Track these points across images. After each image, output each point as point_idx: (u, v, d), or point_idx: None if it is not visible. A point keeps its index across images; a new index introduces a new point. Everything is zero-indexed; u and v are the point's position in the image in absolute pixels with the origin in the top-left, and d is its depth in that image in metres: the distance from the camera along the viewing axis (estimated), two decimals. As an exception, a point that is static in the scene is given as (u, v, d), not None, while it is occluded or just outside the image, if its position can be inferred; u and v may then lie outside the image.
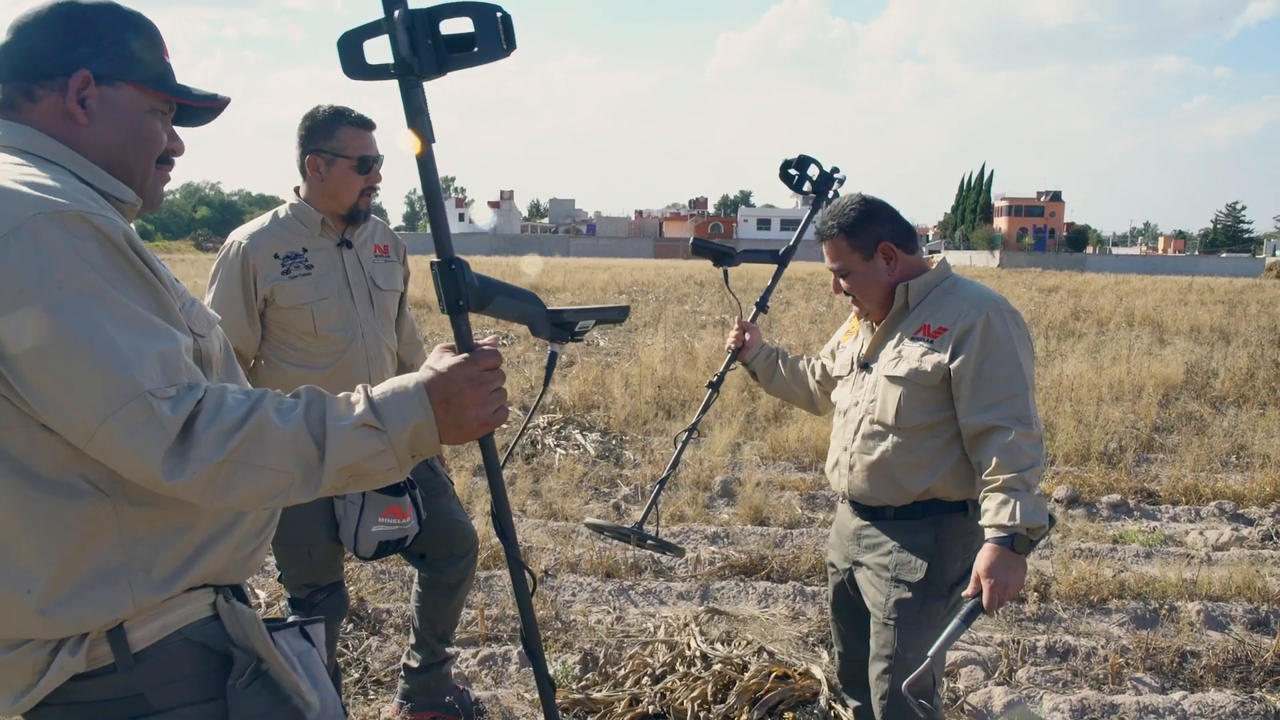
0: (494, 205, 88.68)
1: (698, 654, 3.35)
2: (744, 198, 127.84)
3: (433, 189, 1.26)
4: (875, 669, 2.34)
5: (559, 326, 1.36)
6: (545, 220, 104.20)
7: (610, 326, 15.19)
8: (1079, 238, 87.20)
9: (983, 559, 2.14)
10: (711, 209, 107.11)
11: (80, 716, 1.26)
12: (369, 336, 2.74)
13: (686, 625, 3.65)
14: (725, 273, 2.92)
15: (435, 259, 1.26)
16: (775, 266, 3.01)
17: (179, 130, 1.47)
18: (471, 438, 1.29)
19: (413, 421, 1.23)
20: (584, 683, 3.38)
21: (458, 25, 1.26)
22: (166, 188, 1.50)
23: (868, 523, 2.38)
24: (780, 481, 6.14)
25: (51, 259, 1.13)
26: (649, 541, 2.97)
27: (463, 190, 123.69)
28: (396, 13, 1.18)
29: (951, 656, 3.65)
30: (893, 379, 2.29)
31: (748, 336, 2.82)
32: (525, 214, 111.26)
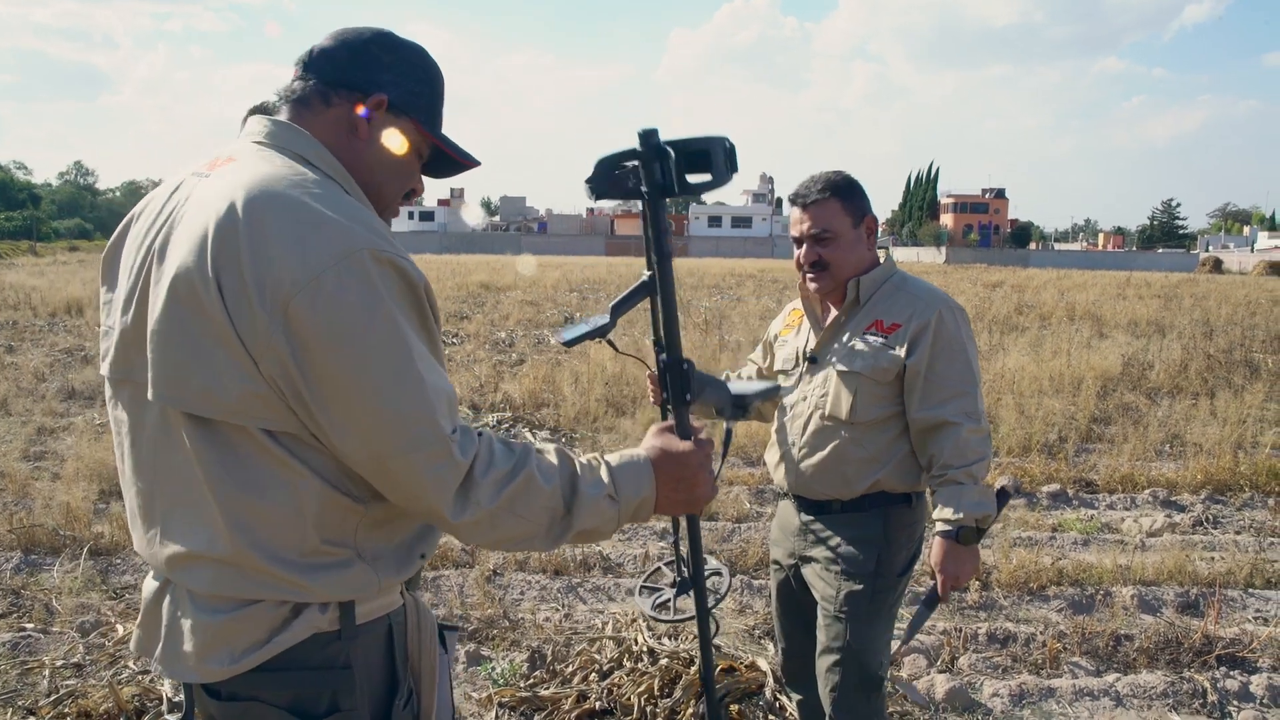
0: (444, 203, 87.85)
1: (645, 649, 3.36)
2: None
3: (669, 298, 1.44)
4: (825, 661, 2.36)
5: (739, 408, 1.55)
6: (497, 218, 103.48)
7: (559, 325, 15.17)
8: (1022, 234, 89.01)
9: (934, 552, 2.22)
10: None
11: (287, 686, 1.30)
12: None
13: (634, 621, 3.66)
14: (609, 342, 2.79)
15: (665, 357, 1.44)
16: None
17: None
18: (687, 512, 1.44)
19: (642, 496, 1.36)
20: (531, 680, 3.36)
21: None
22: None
23: (814, 517, 2.40)
24: (728, 476, 6.18)
25: (377, 298, 1.18)
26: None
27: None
28: (654, 144, 1.37)
29: (895, 646, 3.71)
30: (846, 374, 2.31)
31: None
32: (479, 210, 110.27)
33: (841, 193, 2.32)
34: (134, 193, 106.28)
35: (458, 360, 10.83)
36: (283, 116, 1.38)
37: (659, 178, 1.33)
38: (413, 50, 1.44)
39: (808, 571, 2.42)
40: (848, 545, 2.32)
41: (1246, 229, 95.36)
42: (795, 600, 2.51)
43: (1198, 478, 6.14)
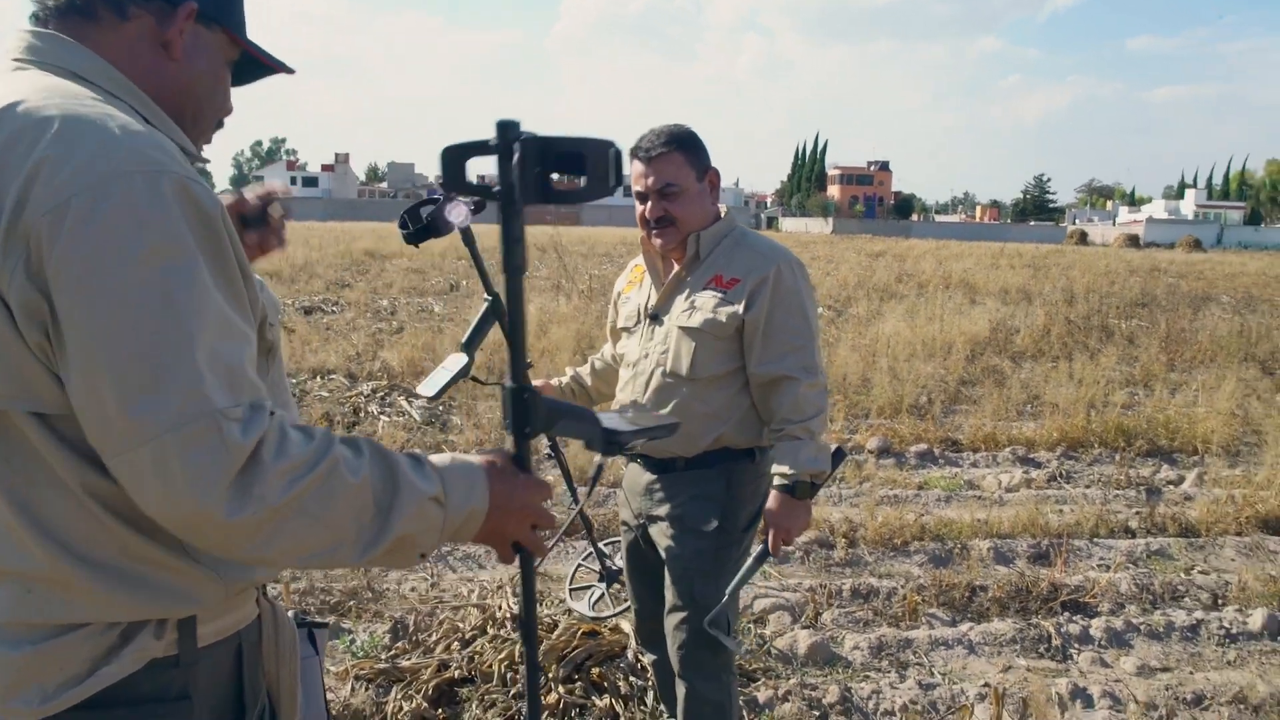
0: (328, 169, 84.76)
1: (508, 615, 3.29)
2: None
3: (517, 319, 1.21)
4: (673, 619, 2.34)
5: (611, 444, 1.35)
6: (384, 185, 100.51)
7: (446, 294, 14.85)
8: (905, 206, 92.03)
9: (769, 506, 2.21)
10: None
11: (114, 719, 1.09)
12: None
13: (500, 588, 3.59)
14: (474, 378, 2.43)
15: (509, 383, 1.22)
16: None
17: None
18: (501, 549, 1.24)
19: (472, 505, 1.13)
20: (393, 652, 3.26)
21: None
22: None
23: (658, 476, 2.37)
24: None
25: (144, 229, 0.94)
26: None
27: (294, 152, 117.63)
28: (512, 141, 1.14)
29: (762, 604, 3.76)
30: (686, 330, 2.27)
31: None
32: (362, 178, 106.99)
33: (684, 145, 2.26)
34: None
35: (336, 329, 10.47)
36: (51, 29, 1.12)
37: (510, 178, 1.13)
38: None
39: (654, 531, 2.39)
40: (692, 502, 2.30)
41: (1110, 204, 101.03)
42: (645, 561, 2.49)
43: (1054, 436, 6.44)
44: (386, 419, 6.60)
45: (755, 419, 2.29)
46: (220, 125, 1.33)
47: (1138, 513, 5.01)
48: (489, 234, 1.42)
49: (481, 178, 1.28)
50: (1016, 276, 18.46)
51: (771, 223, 75.71)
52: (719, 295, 2.25)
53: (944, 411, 7.18)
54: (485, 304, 2.59)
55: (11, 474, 1.02)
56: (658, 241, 2.31)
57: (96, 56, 1.11)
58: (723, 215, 2.37)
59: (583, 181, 1.18)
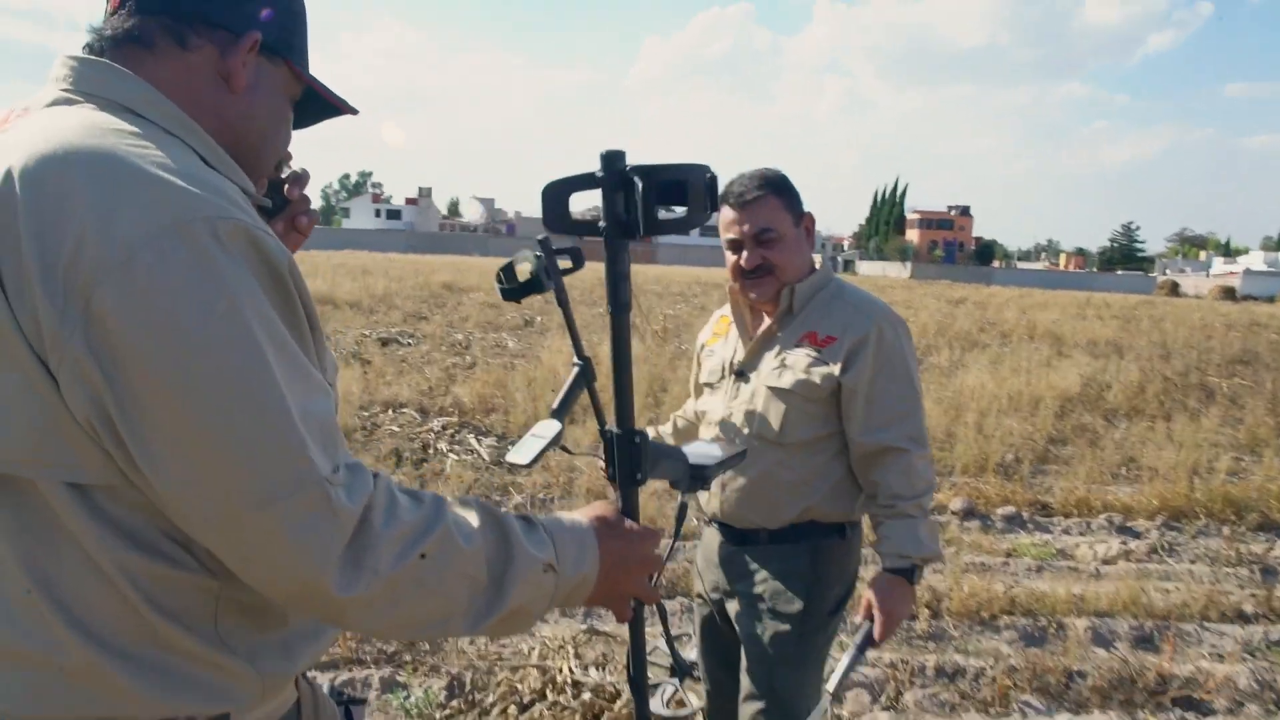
0: (411, 202, 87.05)
1: (569, 681, 3.12)
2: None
3: (623, 359, 1.18)
4: (749, 709, 2.14)
5: (698, 479, 1.33)
6: (466, 219, 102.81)
7: (521, 330, 14.91)
8: (986, 251, 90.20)
9: (879, 588, 2.03)
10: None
11: None
12: None
13: (562, 648, 3.42)
14: (564, 448, 2.44)
15: (614, 428, 1.17)
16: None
17: None
18: (621, 608, 1.19)
19: (583, 572, 1.08)
20: (448, 710, 3.12)
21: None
22: None
23: (738, 548, 2.19)
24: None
25: (216, 282, 0.85)
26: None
27: (379, 186, 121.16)
28: (619, 172, 1.10)
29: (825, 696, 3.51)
30: (776, 390, 2.10)
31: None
32: (444, 212, 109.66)
33: (780, 189, 2.12)
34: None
35: (410, 362, 10.53)
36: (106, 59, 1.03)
37: (623, 212, 1.08)
38: None
39: (732, 608, 2.20)
40: (774, 580, 2.11)
41: (1203, 254, 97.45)
42: (720, 638, 2.30)
43: (1153, 503, 6.03)
44: (455, 457, 6.54)
45: (847, 490, 2.10)
46: (280, 169, 1.23)
47: (1252, 595, 4.60)
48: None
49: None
50: (1106, 328, 17.75)
51: (848, 266, 75.00)
52: (813, 354, 2.08)
53: (1033, 472, 6.81)
54: (575, 369, 2.47)
55: (36, 548, 0.91)
56: (752, 295, 2.15)
57: (152, 89, 1.01)
58: (818, 266, 2.21)
59: (683, 210, 1.12)
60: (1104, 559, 5.14)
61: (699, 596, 2.36)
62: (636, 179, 1.06)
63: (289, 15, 1.12)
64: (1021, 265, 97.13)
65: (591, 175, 1.08)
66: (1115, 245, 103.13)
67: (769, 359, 2.14)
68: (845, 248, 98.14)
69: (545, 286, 2.33)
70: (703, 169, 1.12)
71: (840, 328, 2.08)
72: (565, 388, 2.48)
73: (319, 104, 1.21)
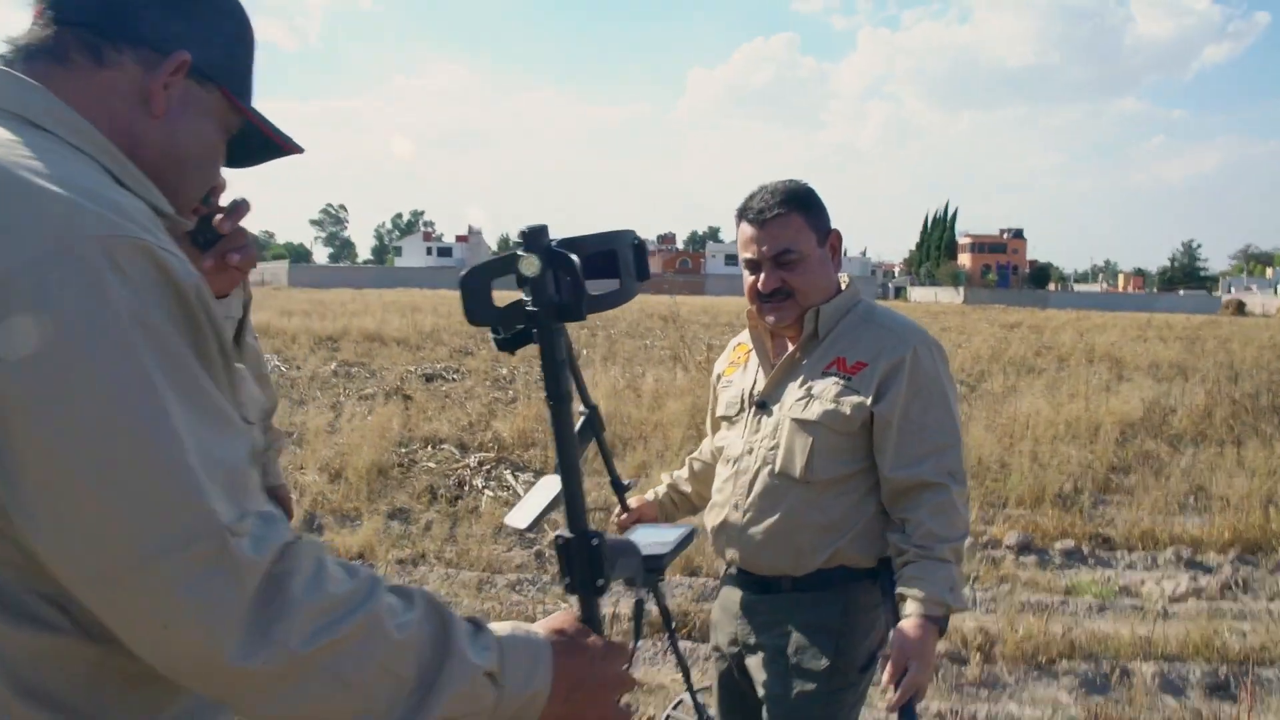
0: (462, 239, 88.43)
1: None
2: (712, 233, 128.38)
3: (569, 459, 1.02)
4: None
5: (652, 572, 1.22)
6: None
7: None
8: (1041, 275, 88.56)
9: (911, 635, 1.75)
10: (680, 244, 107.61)
11: None
12: None
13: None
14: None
15: (566, 533, 1.03)
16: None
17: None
18: None
19: (534, 689, 0.93)
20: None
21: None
22: None
23: (760, 596, 2.02)
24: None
25: (106, 308, 0.76)
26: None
27: (431, 224, 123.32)
28: (546, 250, 0.96)
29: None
30: (801, 423, 1.93)
31: (640, 519, 2.23)
32: (494, 247, 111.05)
33: (803, 205, 1.96)
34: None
35: (454, 397, 10.51)
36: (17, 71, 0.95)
37: (554, 293, 0.96)
38: None
39: (752, 663, 2.02)
40: (800, 633, 1.93)
41: (1270, 271, 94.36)
42: (740, 696, 2.11)
43: (1225, 535, 5.67)
44: (490, 493, 6.44)
45: (878, 531, 1.92)
46: (208, 202, 1.13)
47: (1338, 636, 4.26)
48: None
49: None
50: (1168, 350, 17.14)
51: (899, 292, 74.13)
52: (842, 382, 1.91)
53: (1093, 503, 6.48)
54: (582, 417, 2.33)
55: None
56: (770, 318, 1.99)
57: (60, 102, 0.91)
58: (844, 286, 2.05)
59: (614, 283, 1.00)
60: (1172, 597, 4.83)
61: (716, 649, 2.18)
62: (568, 254, 0.94)
63: (230, 41, 1.04)
64: (1079, 287, 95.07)
65: (515, 256, 0.95)
66: (1176, 264, 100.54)
67: (793, 388, 1.98)
68: (896, 274, 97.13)
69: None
70: (629, 235, 1.01)
71: (872, 352, 1.92)
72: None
73: (263, 140, 1.12)
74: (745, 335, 2.16)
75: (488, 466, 7.20)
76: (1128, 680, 3.78)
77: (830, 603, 1.92)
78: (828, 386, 1.92)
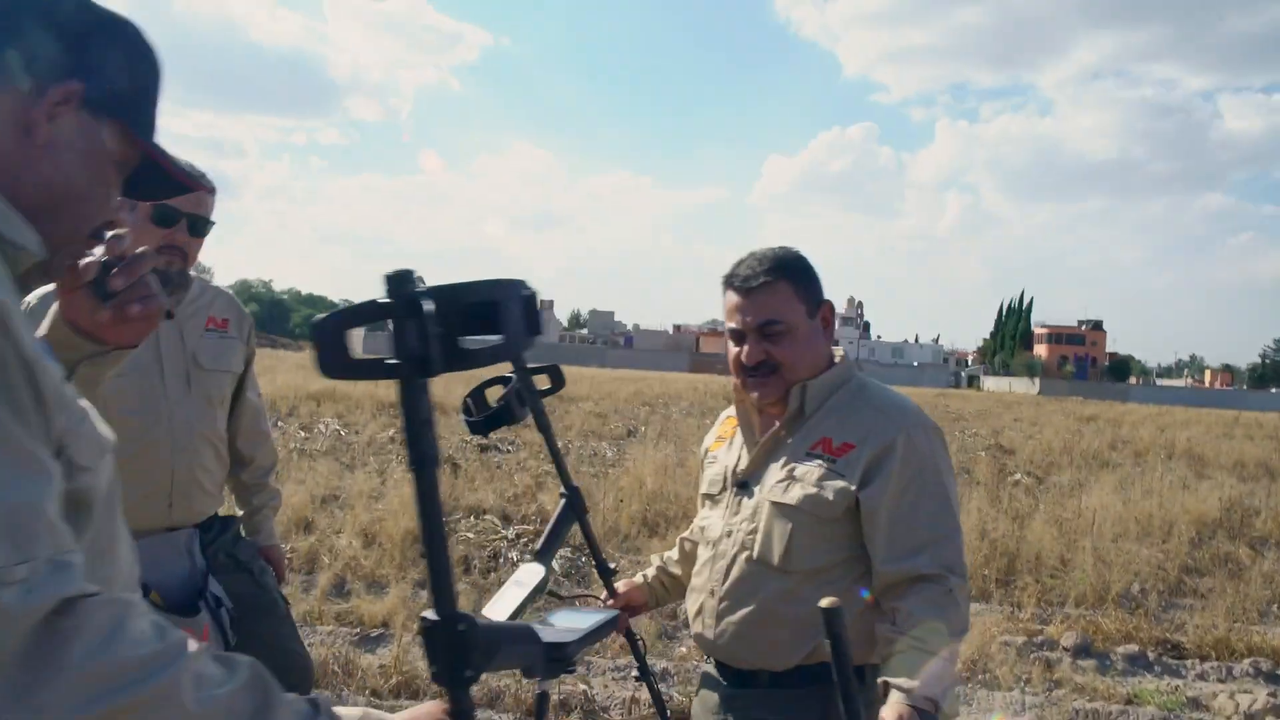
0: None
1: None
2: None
3: (435, 530, 0.92)
4: None
5: (556, 661, 1.12)
6: (584, 331, 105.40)
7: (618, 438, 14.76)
8: (1121, 367, 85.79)
9: (891, 713, 1.55)
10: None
11: None
12: (178, 421, 2.32)
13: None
14: (553, 593, 2.17)
15: (430, 615, 0.94)
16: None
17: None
18: None
19: None
20: None
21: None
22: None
23: (736, 691, 1.86)
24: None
25: None
26: None
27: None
28: (409, 297, 0.88)
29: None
30: (780, 507, 1.79)
31: (629, 603, 2.14)
32: (565, 324, 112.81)
33: (792, 273, 1.85)
34: (244, 289, 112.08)
35: (505, 469, 10.48)
36: None
37: (417, 345, 0.88)
38: (126, 27, 1.03)
39: None
40: None
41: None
42: (720, 795, 1.93)
43: (1309, 648, 5.21)
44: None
45: (868, 626, 1.75)
46: (101, 238, 1.10)
47: None
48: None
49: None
50: (1255, 449, 16.25)
51: (973, 381, 72.62)
52: (826, 465, 1.78)
53: (1162, 605, 6.05)
54: (562, 500, 2.22)
55: None
56: (755, 394, 1.87)
57: None
58: (837, 360, 1.92)
59: (497, 338, 0.89)
60: (1248, 712, 4.41)
61: (698, 750, 2.01)
62: (428, 304, 0.86)
63: (130, 74, 1.02)
64: (1161, 382, 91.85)
65: (374, 303, 0.87)
66: (1267, 361, 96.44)
67: (775, 469, 1.84)
68: (969, 362, 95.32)
69: (518, 416, 2.10)
70: (518, 285, 0.92)
71: (860, 434, 1.78)
72: (551, 522, 2.22)
73: (164, 176, 1.11)
74: (734, 408, 2.05)
75: (525, 539, 7.09)
76: (1189, 803, 3.43)
77: (812, 702, 1.74)
78: (811, 469, 1.79)
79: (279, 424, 13.30)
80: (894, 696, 1.59)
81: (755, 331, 1.83)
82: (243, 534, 2.59)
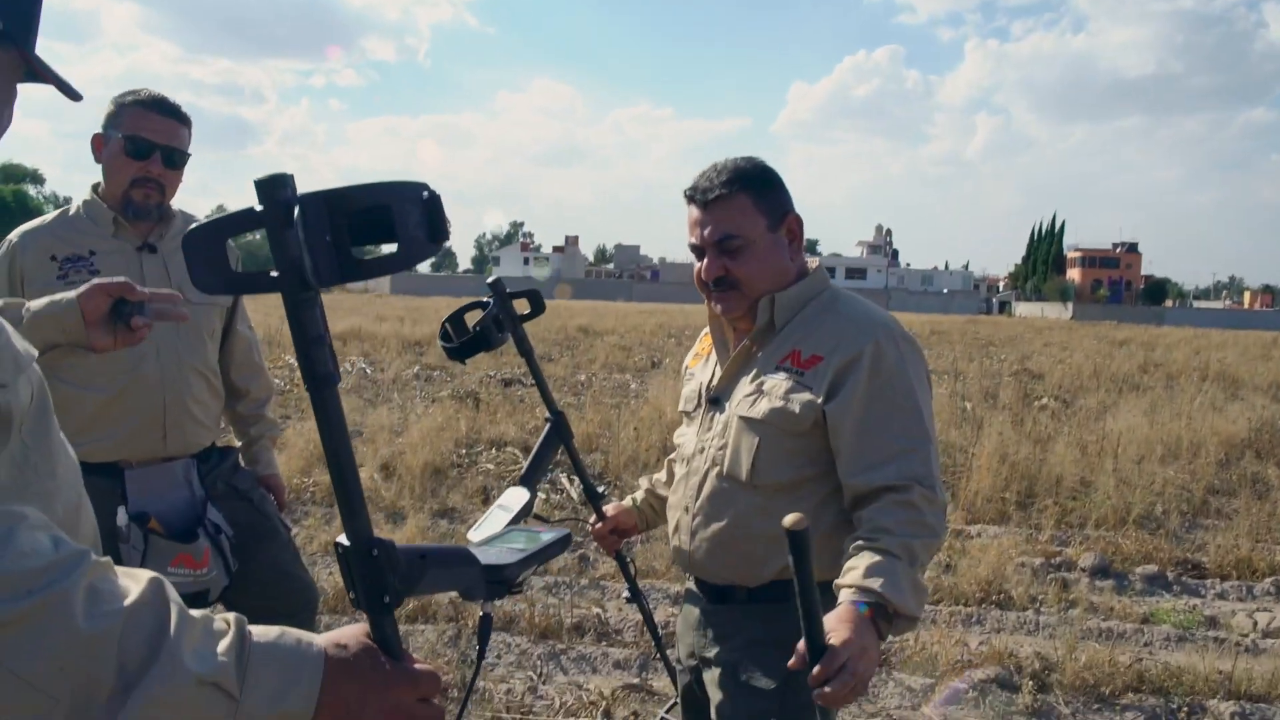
0: (558, 250, 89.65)
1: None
2: (810, 246, 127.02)
3: (339, 444, 0.86)
4: None
5: (498, 584, 1.06)
6: (610, 265, 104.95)
7: (646, 371, 14.76)
8: (1157, 290, 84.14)
9: (835, 626, 1.48)
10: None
11: None
12: (166, 355, 2.32)
13: (592, 703, 3.12)
14: (539, 516, 2.17)
15: (343, 541, 0.89)
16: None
17: None
18: None
19: (285, 710, 0.82)
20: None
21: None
22: None
23: (716, 607, 1.84)
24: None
25: None
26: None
27: (530, 235, 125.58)
28: (283, 204, 0.80)
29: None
30: (748, 421, 1.75)
31: (617, 526, 2.17)
32: (591, 259, 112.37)
33: (752, 185, 1.76)
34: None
35: (528, 402, 10.53)
36: None
37: (299, 256, 0.80)
38: None
39: (708, 678, 1.84)
40: (750, 649, 1.74)
41: None
42: (703, 712, 1.92)
43: (1333, 566, 5.15)
44: (543, 496, 6.36)
45: (840, 541, 1.72)
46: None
47: None
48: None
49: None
50: (1293, 369, 15.94)
51: (1004, 307, 71.66)
52: (793, 377, 1.72)
53: (1185, 527, 6.00)
54: (548, 424, 2.19)
55: None
56: (718, 307, 1.82)
57: None
58: (810, 271, 1.86)
59: (392, 246, 0.82)
60: (1265, 631, 4.38)
61: (677, 661, 2.01)
62: (312, 210, 0.79)
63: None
64: (1199, 305, 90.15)
65: (250, 212, 0.80)
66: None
67: (744, 383, 1.79)
68: (1000, 288, 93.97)
69: (495, 341, 2.07)
70: (416, 187, 0.84)
71: (829, 345, 1.72)
72: (536, 447, 2.20)
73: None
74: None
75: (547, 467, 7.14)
76: (1199, 718, 3.42)
77: (786, 617, 1.71)
78: (778, 382, 1.73)
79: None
80: (842, 596, 1.54)
81: (713, 246, 1.77)
82: (241, 464, 2.61)
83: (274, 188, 0.77)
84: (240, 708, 0.78)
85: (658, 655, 2.33)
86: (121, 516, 2.22)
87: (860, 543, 1.59)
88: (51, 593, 0.73)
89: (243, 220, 0.81)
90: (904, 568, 1.54)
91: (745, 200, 1.75)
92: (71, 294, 1.58)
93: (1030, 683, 3.62)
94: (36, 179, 72.19)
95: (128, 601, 0.76)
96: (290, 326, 0.81)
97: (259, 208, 0.78)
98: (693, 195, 1.79)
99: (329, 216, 0.80)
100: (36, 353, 1.00)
